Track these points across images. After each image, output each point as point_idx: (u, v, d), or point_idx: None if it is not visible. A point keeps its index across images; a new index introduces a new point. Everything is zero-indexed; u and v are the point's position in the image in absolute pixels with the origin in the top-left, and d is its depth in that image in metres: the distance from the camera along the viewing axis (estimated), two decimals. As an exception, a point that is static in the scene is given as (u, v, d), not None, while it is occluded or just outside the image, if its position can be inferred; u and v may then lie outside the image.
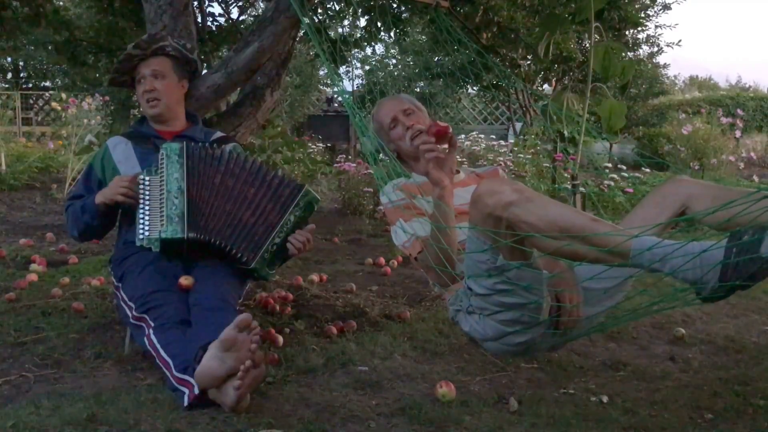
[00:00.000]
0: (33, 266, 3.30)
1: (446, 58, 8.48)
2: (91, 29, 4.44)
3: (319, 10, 4.26)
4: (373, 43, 4.68)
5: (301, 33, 3.51)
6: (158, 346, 1.89)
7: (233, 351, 1.69)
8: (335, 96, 11.64)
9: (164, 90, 2.38)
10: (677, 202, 1.72)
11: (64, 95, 7.09)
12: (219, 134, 2.54)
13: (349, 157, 7.47)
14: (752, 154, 9.10)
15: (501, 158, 6.33)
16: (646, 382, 2.05)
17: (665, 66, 10.71)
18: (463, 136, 7.97)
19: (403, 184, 2.09)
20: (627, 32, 6.50)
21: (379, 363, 2.14)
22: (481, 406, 1.83)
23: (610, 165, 6.68)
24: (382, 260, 3.67)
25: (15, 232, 4.38)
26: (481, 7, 4.27)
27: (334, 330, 2.42)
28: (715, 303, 2.14)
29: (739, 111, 9.76)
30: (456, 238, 1.85)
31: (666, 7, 7.95)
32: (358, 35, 4.59)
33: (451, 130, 1.89)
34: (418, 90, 11.45)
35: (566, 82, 6.38)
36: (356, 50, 8.20)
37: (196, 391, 1.73)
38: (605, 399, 1.89)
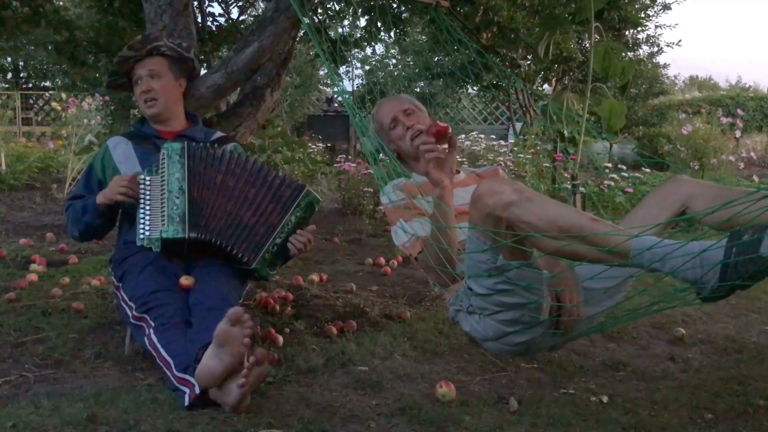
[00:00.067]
0: (33, 266, 3.30)
1: (446, 58, 8.48)
2: (91, 29, 4.44)
3: (319, 10, 4.26)
4: (373, 43, 4.68)
5: (301, 33, 3.51)
6: (158, 345, 1.89)
7: (227, 346, 1.68)
8: (335, 96, 11.64)
9: (161, 89, 2.38)
10: (677, 202, 1.72)
11: (64, 95, 7.10)
12: (219, 134, 2.54)
13: (349, 157, 7.47)
14: (752, 154, 9.10)
15: (501, 158, 6.33)
16: (646, 382, 2.05)
17: (665, 66, 10.71)
18: (463, 136, 7.97)
19: (404, 184, 2.09)
20: (627, 32, 6.51)
21: (379, 363, 2.14)
22: (481, 406, 1.83)
23: (610, 165, 6.68)
24: (382, 260, 3.67)
25: (15, 232, 4.38)
26: (481, 7, 4.27)
27: (334, 330, 2.42)
28: (715, 303, 2.14)
29: (739, 111, 9.76)
30: (456, 238, 1.85)
31: (666, 7, 7.95)
32: (358, 35, 4.60)
33: (450, 130, 1.89)
34: (418, 90, 11.45)
35: (566, 82, 6.38)
36: (356, 50, 8.21)
37: (197, 390, 1.73)
38: (605, 399, 1.89)
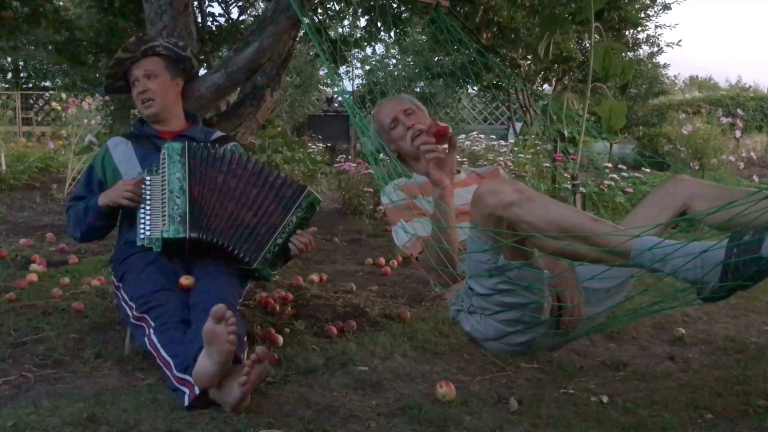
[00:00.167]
0: (33, 266, 3.30)
1: (446, 58, 8.48)
2: (91, 29, 4.44)
3: (319, 10, 4.26)
4: (373, 43, 4.68)
5: (301, 33, 3.51)
6: (159, 345, 1.89)
7: (215, 344, 1.68)
8: (335, 96, 11.64)
9: (158, 89, 2.38)
10: (678, 202, 1.72)
11: (64, 95, 7.09)
12: (219, 134, 2.54)
13: (349, 157, 7.47)
14: (752, 154, 9.10)
15: (501, 158, 6.33)
16: (646, 382, 2.05)
17: (665, 66, 10.70)
18: (463, 136, 7.96)
19: (404, 184, 2.09)
20: (627, 32, 6.50)
21: (379, 363, 2.14)
22: (481, 406, 1.83)
23: (610, 165, 6.68)
24: (382, 260, 3.67)
25: (15, 232, 4.38)
26: (481, 7, 4.27)
27: (334, 330, 2.42)
28: (715, 303, 2.14)
29: (739, 111, 9.76)
30: (457, 238, 1.85)
31: (666, 7, 7.94)
32: (358, 35, 4.59)
33: (451, 130, 1.88)
34: (418, 90, 11.45)
35: (566, 82, 6.38)
36: (356, 50, 8.21)
37: (197, 391, 1.73)
38: (605, 399, 1.89)
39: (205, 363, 1.70)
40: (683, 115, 9.31)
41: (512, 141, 7.83)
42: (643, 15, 7.15)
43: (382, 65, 13.32)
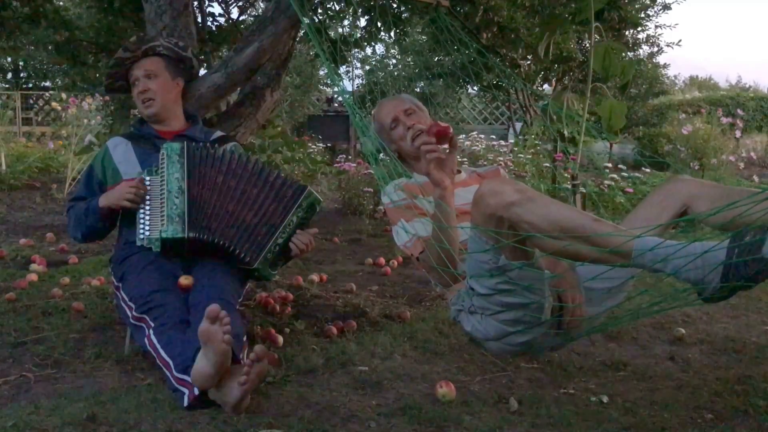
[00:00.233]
0: (33, 266, 3.30)
1: (446, 58, 8.48)
2: (91, 29, 4.43)
3: (319, 10, 4.26)
4: (373, 43, 4.67)
5: (301, 33, 3.50)
6: (158, 346, 1.89)
7: (210, 344, 1.68)
8: (335, 96, 11.64)
9: (158, 89, 2.38)
10: (678, 202, 1.72)
11: (64, 95, 7.09)
12: (219, 134, 2.54)
13: (349, 157, 7.47)
14: (752, 154, 9.10)
15: (501, 158, 6.33)
16: (646, 382, 2.05)
17: (665, 66, 10.70)
18: (463, 136, 7.96)
19: (405, 184, 2.09)
20: (627, 32, 6.50)
21: (379, 363, 2.14)
22: (481, 406, 1.83)
23: (610, 165, 6.67)
24: (382, 260, 3.67)
25: (15, 232, 4.38)
26: (481, 7, 4.27)
27: (334, 330, 2.42)
28: (716, 303, 2.14)
29: (739, 111, 9.77)
30: (457, 238, 1.85)
31: (666, 7, 7.95)
32: (358, 35, 4.59)
33: (451, 130, 1.88)
34: (418, 90, 11.44)
35: (566, 82, 6.37)
36: (356, 50, 8.21)
37: (196, 391, 1.73)
38: (605, 399, 1.89)
39: (202, 363, 1.70)
40: (683, 115, 9.31)
41: (512, 141, 7.83)
42: (643, 15, 7.15)
43: (382, 65, 13.33)
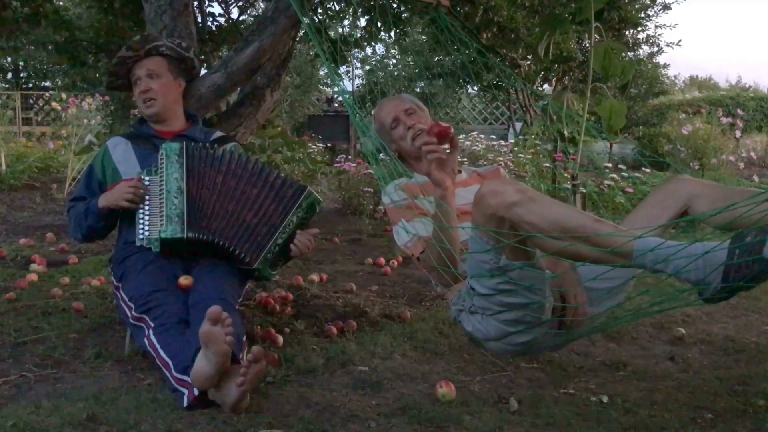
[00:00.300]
0: (33, 266, 3.30)
1: (446, 58, 8.48)
2: (91, 29, 4.44)
3: (319, 10, 4.26)
4: (373, 43, 4.68)
5: (301, 33, 3.50)
6: (158, 346, 1.89)
7: (211, 346, 1.68)
8: (335, 96, 11.64)
9: (160, 89, 2.38)
10: (679, 202, 1.72)
11: (64, 95, 7.09)
12: (219, 134, 2.54)
13: (349, 157, 7.46)
14: (752, 154, 9.10)
15: (501, 158, 6.33)
16: (646, 382, 2.05)
17: (665, 66, 10.71)
18: (463, 135, 7.96)
19: (405, 184, 2.09)
20: (627, 32, 6.50)
21: (379, 363, 2.14)
22: (481, 406, 1.83)
23: (610, 165, 6.68)
24: (382, 260, 3.67)
25: (15, 232, 4.38)
26: (481, 7, 4.27)
27: (334, 330, 2.42)
28: (716, 303, 2.14)
29: (739, 111, 9.77)
30: (458, 238, 1.85)
31: (666, 7, 7.95)
32: (358, 35, 4.59)
33: (452, 130, 1.88)
34: (418, 90, 11.46)
35: (566, 82, 6.37)
36: (356, 50, 8.21)
37: (196, 392, 1.73)
38: (605, 399, 1.89)
39: (202, 364, 1.70)
40: (683, 115, 9.31)
41: (512, 141, 7.83)
42: (643, 15, 7.16)
43: (382, 65, 13.33)
